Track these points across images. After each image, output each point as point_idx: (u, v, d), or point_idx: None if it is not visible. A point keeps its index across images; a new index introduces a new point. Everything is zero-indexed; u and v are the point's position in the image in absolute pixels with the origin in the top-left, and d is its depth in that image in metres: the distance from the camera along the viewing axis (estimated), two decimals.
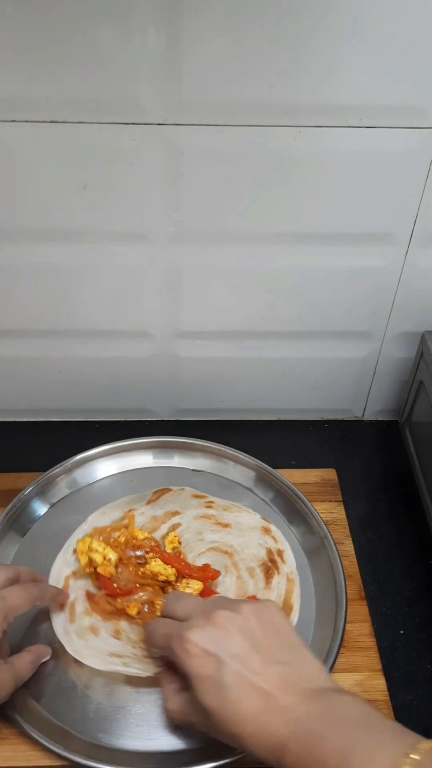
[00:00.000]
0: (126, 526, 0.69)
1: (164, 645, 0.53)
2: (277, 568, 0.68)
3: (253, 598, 0.64)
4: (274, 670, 0.48)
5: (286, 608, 0.65)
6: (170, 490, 0.74)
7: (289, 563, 0.69)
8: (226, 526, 0.71)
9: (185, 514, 0.72)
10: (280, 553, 0.69)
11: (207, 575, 0.65)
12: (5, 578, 0.58)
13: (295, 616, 0.64)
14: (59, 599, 0.64)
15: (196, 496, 0.74)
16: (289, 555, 0.70)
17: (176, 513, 0.71)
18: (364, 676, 0.61)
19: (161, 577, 0.64)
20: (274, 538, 0.71)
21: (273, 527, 0.72)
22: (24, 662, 0.58)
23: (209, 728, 0.50)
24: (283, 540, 0.71)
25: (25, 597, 0.57)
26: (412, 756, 0.41)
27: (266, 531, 0.71)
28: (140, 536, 0.67)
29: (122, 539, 0.67)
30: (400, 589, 0.70)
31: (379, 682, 0.61)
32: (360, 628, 0.65)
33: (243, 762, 0.55)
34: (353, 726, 0.44)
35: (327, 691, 0.47)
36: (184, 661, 0.50)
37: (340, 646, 0.62)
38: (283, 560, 0.69)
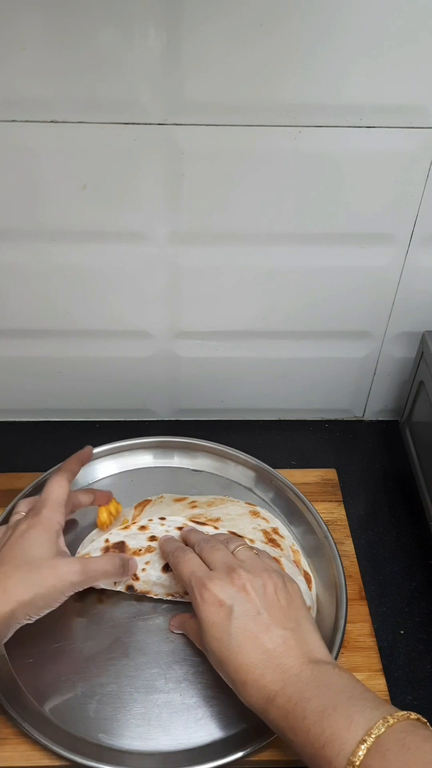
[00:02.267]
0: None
1: (186, 581, 0.58)
2: (278, 545, 0.68)
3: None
4: (278, 633, 0.52)
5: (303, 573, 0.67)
6: (150, 500, 0.73)
7: (286, 537, 0.70)
8: (217, 520, 0.70)
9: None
10: (275, 530, 0.70)
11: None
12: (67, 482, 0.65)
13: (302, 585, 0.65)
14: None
15: (178, 500, 0.72)
16: (283, 530, 0.71)
17: (165, 519, 0.70)
18: (365, 676, 0.61)
19: None
20: (264, 518, 0.71)
21: (259, 508, 0.72)
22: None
23: (208, 656, 0.56)
24: (272, 518, 0.72)
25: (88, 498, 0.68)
26: (387, 718, 0.45)
27: (255, 514, 0.72)
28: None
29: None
30: (400, 589, 0.70)
31: (380, 682, 0.61)
32: (360, 628, 0.65)
33: (243, 762, 0.55)
34: (338, 692, 0.49)
35: (322, 663, 0.51)
36: (199, 604, 0.55)
37: (341, 646, 0.62)
38: (280, 536, 0.70)
